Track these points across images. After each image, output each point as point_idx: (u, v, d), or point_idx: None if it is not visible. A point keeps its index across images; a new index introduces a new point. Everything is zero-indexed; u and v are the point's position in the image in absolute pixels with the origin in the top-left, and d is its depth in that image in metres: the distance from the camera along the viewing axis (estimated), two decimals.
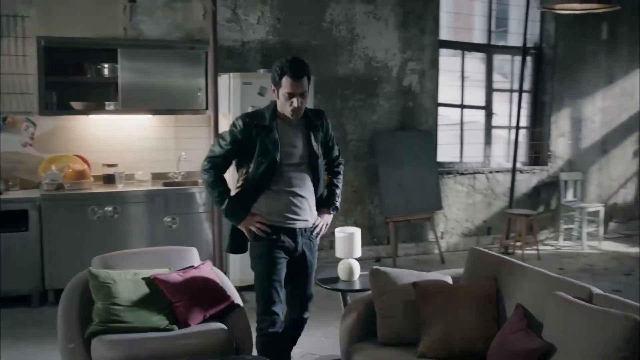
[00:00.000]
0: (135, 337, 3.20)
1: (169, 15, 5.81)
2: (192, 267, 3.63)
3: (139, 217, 5.34)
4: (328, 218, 3.47)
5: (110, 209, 5.21)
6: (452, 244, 7.24)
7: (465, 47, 7.39)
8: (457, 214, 7.26)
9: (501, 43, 7.72)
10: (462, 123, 7.40)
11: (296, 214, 3.27)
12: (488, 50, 7.54)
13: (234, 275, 5.35)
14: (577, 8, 5.54)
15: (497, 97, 7.63)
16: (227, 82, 5.41)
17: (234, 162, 3.35)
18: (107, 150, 5.62)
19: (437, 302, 3.11)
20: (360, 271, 3.89)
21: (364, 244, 4.02)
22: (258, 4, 6.13)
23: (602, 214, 7.53)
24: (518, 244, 6.91)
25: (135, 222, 5.32)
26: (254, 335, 3.35)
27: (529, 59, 7.58)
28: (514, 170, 7.35)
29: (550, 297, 2.80)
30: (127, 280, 3.36)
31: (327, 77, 6.39)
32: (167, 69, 5.54)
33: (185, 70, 5.62)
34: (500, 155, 7.71)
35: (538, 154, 7.78)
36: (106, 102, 5.44)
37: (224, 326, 3.38)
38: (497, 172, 7.43)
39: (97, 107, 5.42)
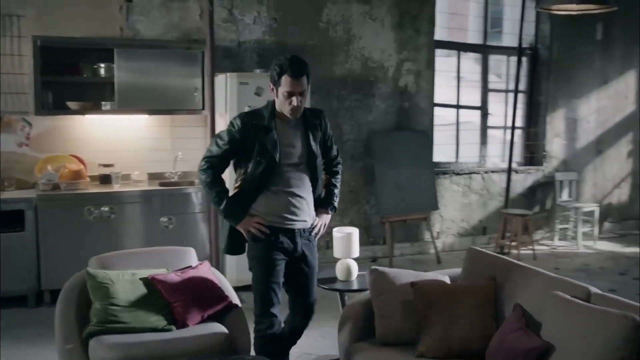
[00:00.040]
0: (133, 337, 3.19)
1: (165, 15, 5.80)
2: (190, 267, 3.62)
3: (135, 218, 5.33)
4: (326, 218, 3.44)
5: (106, 209, 5.20)
6: (448, 243, 7.26)
7: (460, 47, 7.40)
8: (453, 213, 7.27)
9: (496, 43, 7.73)
10: (457, 123, 7.41)
11: (295, 214, 3.25)
12: (483, 50, 7.56)
13: (231, 275, 5.33)
14: (574, 9, 5.49)
15: (492, 98, 7.65)
16: (224, 82, 5.41)
17: (231, 162, 3.32)
18: (103, 150, 5.61)
19: (435, 302, 3.11)
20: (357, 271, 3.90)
21: (360, 244, 4.01)
22: (254, 4, 6.13)
23: (597, 214, 7.56)
24: (514, 243, 6.94)
25: (131, 222, 5.31)
26: (252, 335, 3.34)
27: (524, 59, 7.60)
28: (509, 170, 7.37)
29: (548, 297, 2.81)
30: (125, 280, 3.35)
31: (324, 77, 6.39)
32: (164, 69, 5.54)
33: (181, 70, 5.61)
34: (496, 156, 7.73)
35: (533, 154, 7.80)
36: (102, 102, 5.43)
37: (222, 326, 3.37)
38: (492, 172, 7.45)
39: (93, 107, 5.41)
